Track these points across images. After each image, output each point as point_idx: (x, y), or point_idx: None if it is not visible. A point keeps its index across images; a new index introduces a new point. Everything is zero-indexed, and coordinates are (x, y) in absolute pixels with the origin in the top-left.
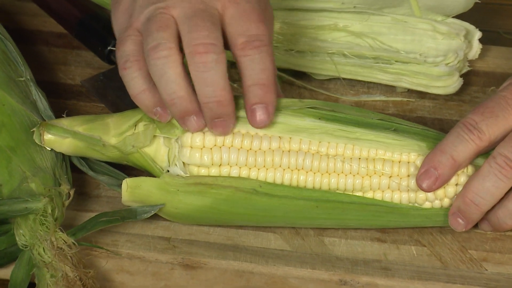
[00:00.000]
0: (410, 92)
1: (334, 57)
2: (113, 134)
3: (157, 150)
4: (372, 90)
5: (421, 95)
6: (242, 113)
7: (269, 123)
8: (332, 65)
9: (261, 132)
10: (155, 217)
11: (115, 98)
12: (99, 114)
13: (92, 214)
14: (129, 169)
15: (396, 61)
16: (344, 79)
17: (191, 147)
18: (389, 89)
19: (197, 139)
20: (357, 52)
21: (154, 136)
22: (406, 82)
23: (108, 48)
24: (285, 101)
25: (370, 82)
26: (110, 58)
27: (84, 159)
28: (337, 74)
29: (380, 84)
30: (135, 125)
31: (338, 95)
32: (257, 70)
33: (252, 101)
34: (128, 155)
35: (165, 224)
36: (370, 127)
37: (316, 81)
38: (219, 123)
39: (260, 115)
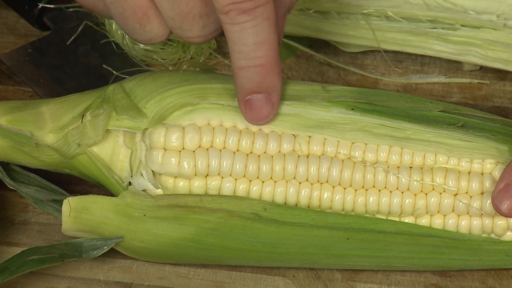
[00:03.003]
0: (483, 70)
1: (372, 19)
2: (50, 128)
3: (114, 153)
4: (428, 68)
5: (500, 75)
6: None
7: (271, 119)
8: (368, 31)
9: (266, 128)
10: (111, 253)
11: (50, 80)
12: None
13: (17, 250)
14: (72, 183)
15: (462, 26)
16: (386, 51)
17: (165, 149)
18: (453, 66)
19: (174, 136)
20: (406, 12)
21: (108, 131)
22: (477, 56)
23: (39, 6)
24: (298, 88)
25: (425, 56)
26: (41, 21)
27: (4, 164)
28: (376, 44)
29: (439, 59)
30: (82, 116)
31: (378, 75)
32: (250, 44)
33: (246, 89)
34: (72, 159)
35: (125, 264)
36: (425, 122)
37: (345, 55)
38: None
39: (259, 108)
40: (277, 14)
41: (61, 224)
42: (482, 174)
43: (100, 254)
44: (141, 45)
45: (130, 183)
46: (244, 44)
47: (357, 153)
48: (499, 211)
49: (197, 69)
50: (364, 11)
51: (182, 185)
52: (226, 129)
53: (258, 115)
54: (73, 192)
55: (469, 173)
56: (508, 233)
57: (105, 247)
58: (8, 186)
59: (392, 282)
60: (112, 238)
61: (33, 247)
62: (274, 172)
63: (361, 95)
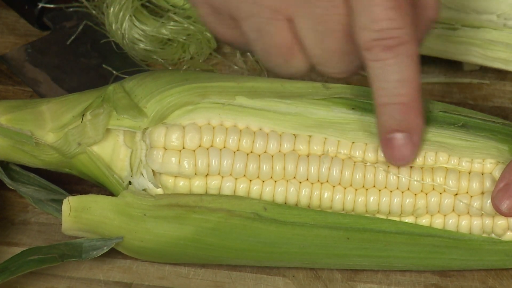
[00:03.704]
0: (483, 70)
1: None
2: (50, 127)
3: (114, 152)
4: (428, 68)
5: (500, 75)
6: (241, 100)
7: (413, 160)
8: None
9: (267, 127)
10: (111, 253)
11: (49, 80)
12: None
13: (17, 250)
14: (72, 182)
15: (462, 26)
16: None
17: (165, 148)
18: (453, 66)
19: (174, 136)
20: None
21: (109, 130)
22: (477, 56)
23: (39, 6)
24: (299, 86)
25: (425, 56)
26: (41, 20)
27: (4, 164)
28: None
29: (439, 59)
30: (83, 115)
31: None
32: (393, 81)
33: (387, 127)
34: (72, 159)
35: (124, 264)
36: (426, 122)
37: None
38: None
39: (399, 147)
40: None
41: (61, 224)
42: (482, 174)
43: (100, 254)
44: (141, 45)
45: (130, 183)
46: (386, 81)
47: (357, 152)
48: (499, 210)
49: (197, 69)
50: None
51: (182, 185)
52: (227, 129)
53: (398, 155)
54: (73, 192)
55: (469, 173)
56: (508, 233)
57: (105, 248)
58: (8, 186)
59: (392, 282)
60: (112, 239)
61: (33, 247)
62: (275, 171)
63: (362, 92)
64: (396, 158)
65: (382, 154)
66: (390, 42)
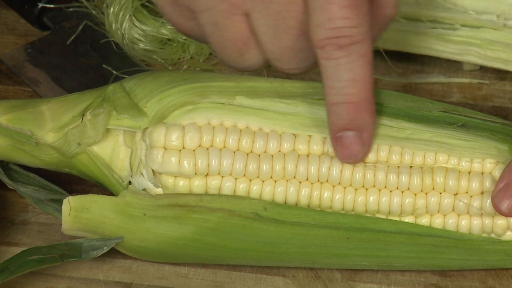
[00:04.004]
0: (483, 70)
1: None
2: (50, 127)
3: (114, 152)
4: (428, 68)
5: (500, 75)
6: (241, 100)
7: (362, 158)
8: None
9: (267, 127)
10: (111, 253)
11: (49, 80)
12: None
13: (17, 249)
14: (72, 182)
15: (462, 26)
16: (386, 51)
17: (165, 148)
18: (453, 66)
19: (174, 135)
20: (406, 12)
21: (109, 130)
22: (477, 56)
23: (39, 6)
24: (299, 86)
25: (425, 56)
26: (41, 20)
27: (3, 164)
28: (375, 44)
29: (439, 58)
30: (83, 115)
31: (378, 75)
32: (344, 81)
33: (337, 125)
34: (72, 158)
35: (124, 264)
36: (425, 122)
37: None
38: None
39: (349, 145)
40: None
41: (61, 224)
42: (482, 174)
43: (99, 254)
44: (141, 45)
45: (130, 183)
46: (337, 80)
47: None
48: (499, 210)
49: (197, 68)
50: None
51: (182, 185)
52: (226, 129)
53: (348, 153)
54: (73, 192)
55: (469, 173)
56: (508, 233)
57: (105, 248)
58: (8, 186)
59: (392, 282)
60: (112, 239)
61: (33, 247)
62: (274, 171)
63: None
64: (346, 156)
65: (331, 149)
66: (343, 41)
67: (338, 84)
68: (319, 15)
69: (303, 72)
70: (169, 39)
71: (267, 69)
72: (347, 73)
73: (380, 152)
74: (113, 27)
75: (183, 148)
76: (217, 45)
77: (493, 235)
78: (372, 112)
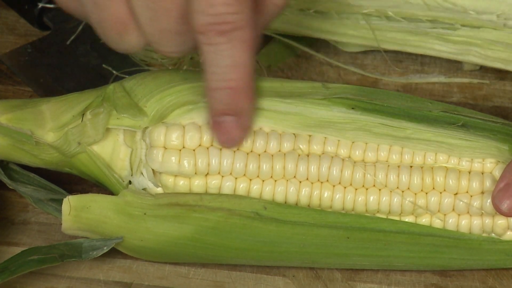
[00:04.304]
0: (483, 70)
1: (372, 19)
2: (50, 127)
3: (114, 152)
4: (428, 68)
5: (500, 74)
6: None
7: (241, 142)
8: (368, 31)
9: (267, 127)
10: (111, 253)
11: (50, 80)
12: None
13: (17, 249)
14: (72, 182)
15: (462, 26)
16: (386, 51)
17: (165, 148)
18: (453, 66)
19: (174, 135)
20: (406, 12)
21: (109, 130)
22: (477, 56)
23: (39, 6)
24: (299, 86)
25: (425, 56)
26: (41, 20)
27: (3, 164)
28: (376, 44)
29: (439, 58)
30: (83, 115)
31: (378, 75)
32: (224, 66)
33: (216, 110)
34: (72, 158)
35: (124, 264)
36: (426, 122)
37: (345, 55)
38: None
39: (228, 130)
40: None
41: (61, 224)
42: (482, 174)
43: (99, 254)
44: None
45: (130, 182)
46: (217, 66)
47: (357, 152)
48: (499, 210)
49: (197, 68)
50: (364, 11)
51: (182, 184)
52: None
53: (227, 137)
54: (72, 192)
55: (469, 173)
56: (508, 233)
57: (105, 248)
58: (8, 185)
59: (392, 282)
60: (112, 239)
61: (33, 247)
62: (275, 171)
63: (362, 92)
64: (225, 141)
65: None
66: (224, 27)
67: (218, 69)
68: (201, 1)
69: (181, 56)
70: None
71: (267, 69)
72: (228, 59)
73: (380, 151)
74: None
75: (183, 147)
76: (97, 25)
77: (493, 235)
78: (251, 97)
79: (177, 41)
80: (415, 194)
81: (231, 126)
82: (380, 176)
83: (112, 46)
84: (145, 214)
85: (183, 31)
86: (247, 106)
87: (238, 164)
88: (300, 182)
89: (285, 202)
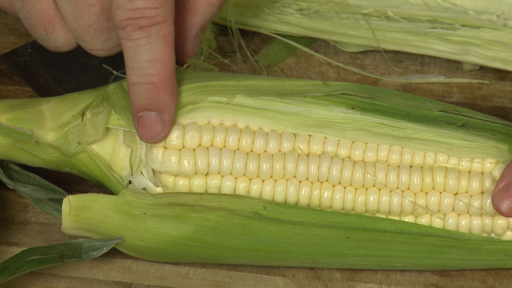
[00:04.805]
0: (483, 70)
1: (372, 19)
2: (50, 126)
3: (114, 152)
4: (428, 68)
5: (500, 74)
6: (241, 99)
7: (163, 138)
8: (368, 31)
9: (267, 127)
10: (111, 253)
11: (49, 79)
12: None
13: (17, 250)
14: (71, 182)
15: (462, 26)
16: (386, 51)
17: (165, 148)
18: (453, 66)
19: (174, 135)
20: (406, 12)
21: (109, 130)
22: (476, 56)
23: None
24: (299, 84)
25: (425, 56)
26: None
27: (3, 164)
28: (376, 44)
29: (439, 58)
30: (83, 114)
31: (378, 75)
32: (143, 61)
33: (137, 105)
34: (72, 158)
35: (124, 264)
36: (426, 122)
37: (345, 55)
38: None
39: (149, 125)
40: (189, 34)
41: (61, 224)
42: (482, 174)
43: (99, 255)
44: None
45: (130, 182)
46: (137, 61)
47: (357, 152)
48: (499, 210)
49: (197, 68)
50: (364, 11)
51: (182, 184)
52: (227, 128)
53: (149, 133)
54: (72, 192)
55: (469, 173)
56: (508, 233)
57: (105, 248)
58: (8, 185)
59: (392, 282)
60: (111, 239)
61: (33, 247)
62: (274, 171)
63: (362, 89)
64: (147, 136)
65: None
66: (143, 22)
67: (137, 64)
68: None
69: (108, 55)
70: None
71: (267, 69)
72: (147, 54)
73: (380, 151)
74: None
75: (183, 147)
76: (25, 21)
77: (493, 235)
78: (172, 93)
79: (101, 38)
80: (415, 194)
81: (152, 122)
82: (380, 176)
83: (42, 43)
84: (145, 214)
85: (106, 28)
86: (168, 101)
87: (238, 164)
88: (300, 182)
89: (285, 202)
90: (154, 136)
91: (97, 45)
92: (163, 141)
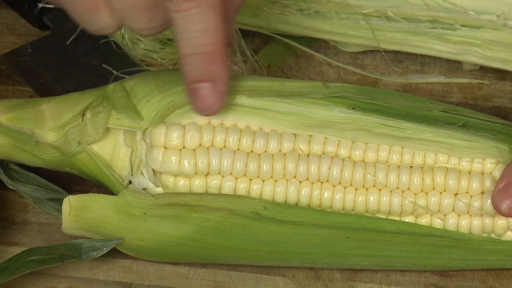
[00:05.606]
0: (483, 70)
1: (372, 19)
2: (50, 126)
3: (114, 152)
4: (428, 68)
5: (500, 74)
6: (241, 99)
7: (219, 109)
8: (368, 31)
9: (267, 127)
10: (111, 253)
11: (49, 79)
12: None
13: (17, 250)
14: (72, 182)
15: (462, 26)
16: (386, 51)
17: (165, 148)
18: (453, 66)
19: (174, 135)
20: (406, 12)
21: (109, 129)
22: (476, 56)
23: (39, 6)
24: (299, 85)
25: (425, 56)
26: (41, 20)
27: (3, 164)
28: (376, 44)
29: (439, 58)
30: (83, 114)
31: (378, 74)
32: (195, 32)
33: (191, 77)
34: (72, 158)
35: (125, 264)
36: (426, 122)
37: (345, 55)
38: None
39: (205, 97)
40: (226, 12)
41: (61, 224)
42: (482, 174)
43: (99, 255)
44: (141, 45)
45: (130, 182)
46: (188, 31)
47: (357, 152)
48: (499, 210)
49: None
50: (364, 11)
51: (182, 184)
52: (227, 128)
53: (204, 104)
54: (72, 192)
55: (469, 173)
56: (508, 233)
57: (105, 248)
58: (8, 185)
59: (392, 282)
60: (112, 240)
61: (33, 247)
62: (275, 171)
63: (362, 91)
64: (203, 108)
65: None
66: None
67: (189, 35)
68: None
69: (154, 34)
70: (169, 39)
71: (267, 69)
72: (198, 24)
73: (381, 151)
74: None
75: (184, 147)
76: (68, 6)
77: (493, 235)
78: (226, 64)
79: (146, 16)
80: (415, 194)
81: (208, 93)
82: (380, 176)
83: (85, 27)
84: (145, 214)
85: (152, 5)
86: (222, 71)
87: (238, 164)
88: (300, 182)
89: (285, 202)
90: (210, 108)
91: (142, 24)
92: (163, 141)
